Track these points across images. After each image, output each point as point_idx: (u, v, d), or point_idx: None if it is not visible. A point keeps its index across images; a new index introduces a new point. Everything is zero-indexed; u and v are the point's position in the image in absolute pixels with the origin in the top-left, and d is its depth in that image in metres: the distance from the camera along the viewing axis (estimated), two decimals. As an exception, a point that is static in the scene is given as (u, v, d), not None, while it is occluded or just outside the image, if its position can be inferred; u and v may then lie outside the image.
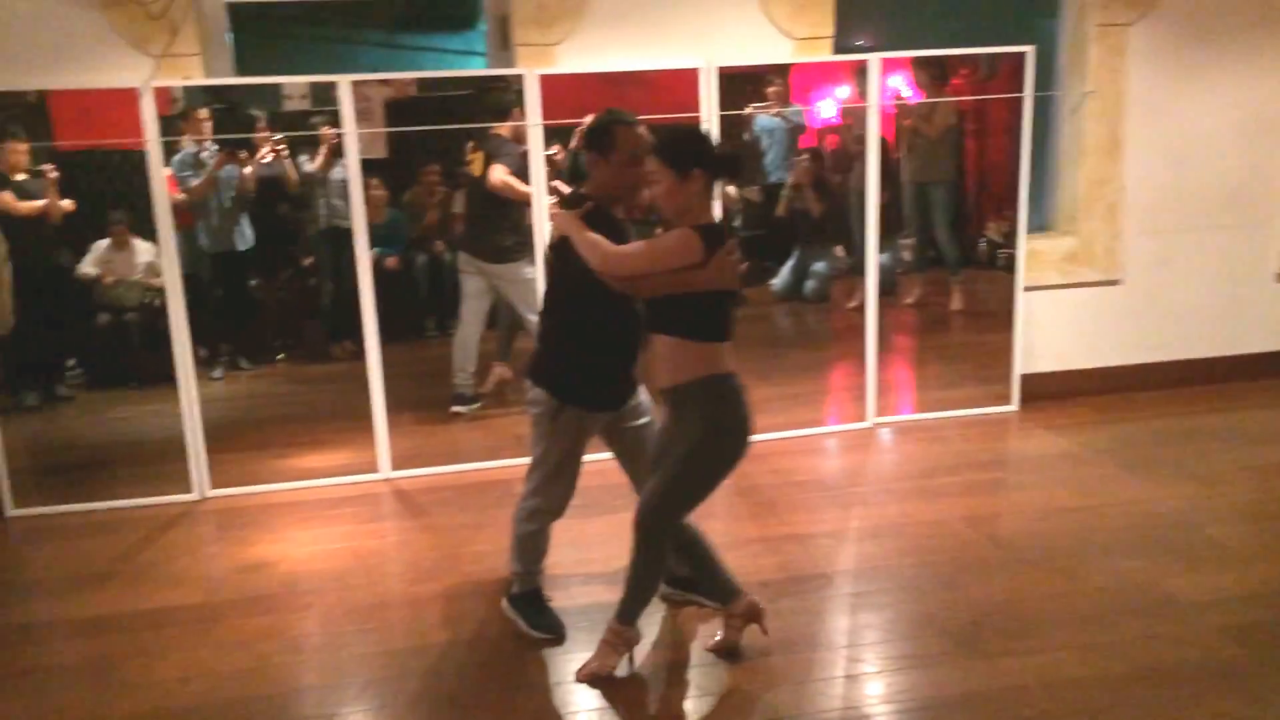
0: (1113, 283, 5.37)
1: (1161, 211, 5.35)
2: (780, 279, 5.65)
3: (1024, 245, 5.17)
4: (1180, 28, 5.14)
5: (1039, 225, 5.48)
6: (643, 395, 3.28)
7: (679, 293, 2.85)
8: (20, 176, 4.44)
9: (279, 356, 5.35)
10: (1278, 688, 2.96)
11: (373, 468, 4.67)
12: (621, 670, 3.11)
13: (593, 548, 3.85)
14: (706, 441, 2.92)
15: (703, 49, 4.70)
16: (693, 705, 3.00)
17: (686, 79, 4.64)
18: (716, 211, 4.66)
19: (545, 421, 3.15)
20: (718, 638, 3.22)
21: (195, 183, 4.72)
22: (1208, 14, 5.13)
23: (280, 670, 3.19)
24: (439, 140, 5.09)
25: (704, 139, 2.96)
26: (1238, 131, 5.31)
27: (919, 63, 5.12)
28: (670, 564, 3.43)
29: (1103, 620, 3.34)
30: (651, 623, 3.36)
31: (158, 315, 4.44)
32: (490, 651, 3.27)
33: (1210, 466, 4.52)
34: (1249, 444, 4.77)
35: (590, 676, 3.08)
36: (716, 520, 3.91)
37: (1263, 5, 5.16)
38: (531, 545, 3.31)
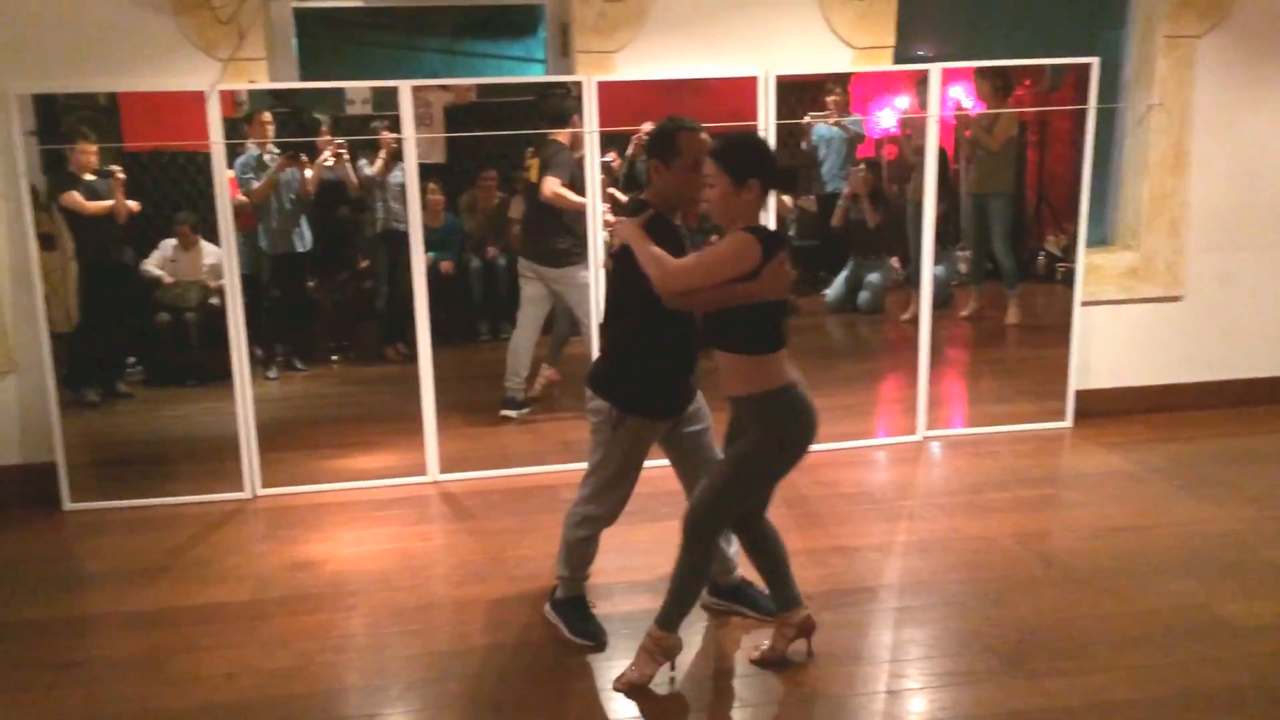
0: (1174, 299, 5.26)
1: (1226, 227, 5.23)
2: (834, 289, 5.61)
3: (1083, 259, 5.08)
4: (1251, 41, 5.02)
5: (1099, 239, 5.39)
6: (700, 401, 3.28)
7: (733, 306, 2.86)
8: (89, 176, 4.55)
9: (333, 358, 5.43)
10: (1335, 719, 2.88)
11: (421, 470, 4.72)
12: (661, 681, 3.11)
13: (638, 555, 3.85)
14: (764, 452, 2.95)
15: (762, 57, 4.69)
16: (735, 717, 2.99)
17: (745, 87, 4.64)
18: (770, 222, 4.65)
19: (605, 430, 3.16)
20: (764, 647, 3.21)
21: (256, 185, 4.81)
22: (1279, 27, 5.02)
23: (324, 669, 3.24)
24: (497, 146, 5.15)
25: (764, 149, 2.98)
26: (1307, 147, 5.18)
27: (981, 73, 5.06)
28: (714, 572, 3.45)
29: (1153, 642, 3.27)
30: (694, 632, 3.36)
31: (217, 315, 4.53)
32: (533, 657, 3.28)
33: (1268, 488, 4.41)
34: (1313, 467, 4.65)
35: (627, 686, 3.08)
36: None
37: (1337, 18, 5.03)
38: (580, 552, 3.33)
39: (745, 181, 2.84)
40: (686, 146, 3.01)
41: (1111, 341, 5.28)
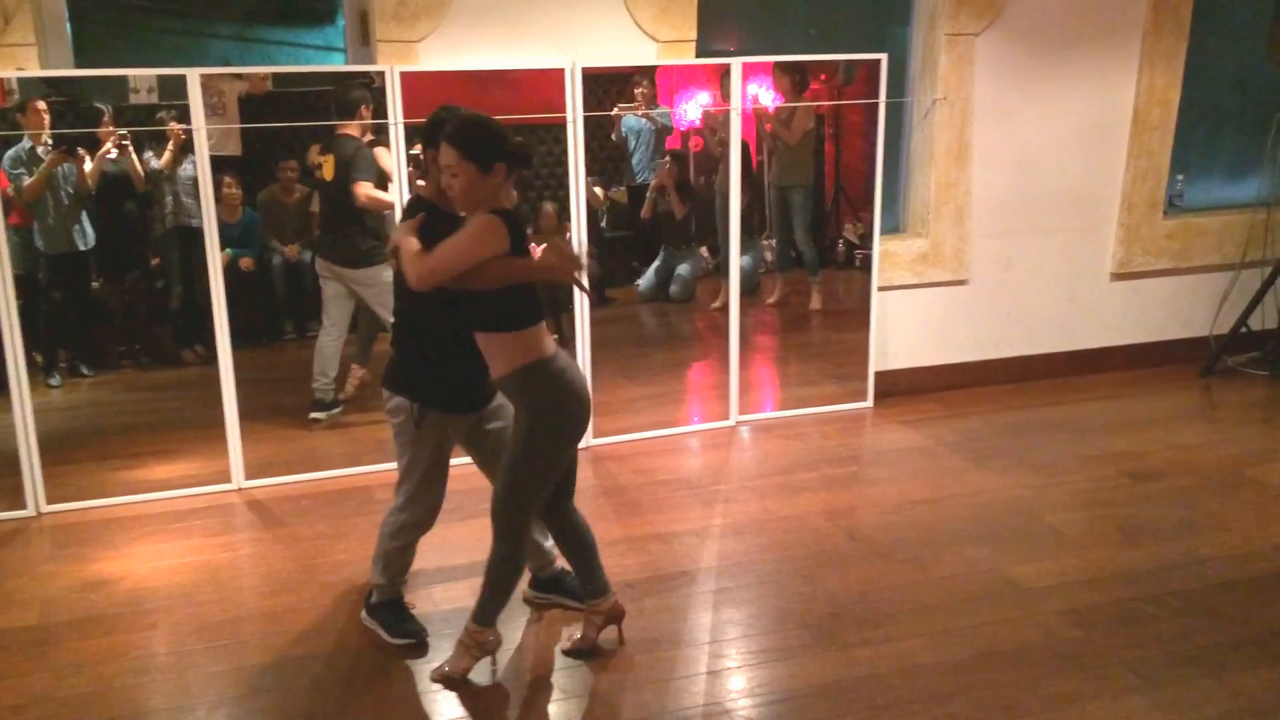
0: (960, 282, 5.59)
1: (1006, 214, 5.58)
2: (645, 280, 5.69)
3: (878, 247, 5.33)
4: (1024, 38, 5.37)
5: (893, 227, 5.66)
6: (501, 399, 3.25)
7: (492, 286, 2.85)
8: None
9: (123, 362, 5.10)
10: (1113, 667, 3.13)
11: (225, 477, 4.50)
12: (484, 675, 3.08)
13: (456, 553, 3.80)
14: (537, 428, 2.91)
15: (568, 49, 4.69)
16: (557, 709, 3.00)
17: (552, 79, 4.62)
18: (581, 214, 4.67)
19: (408, 429, 3.09)
20: (575, 636, 3.23)
21: (28, 180, 4.46)
22: (1050, 26, 5.38)
23: (123, 693, 3.05)
24: (298, 137, 4.95)
25: (502, 131, 2.85)
26: (1076, 138, 5.59)
27: (780, 68, 5.22)
28: (533, 565, 3.45)
29: (951, 608, 3.47)
30: (514, 626, 3.35)
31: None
32: (351, 664, 3.19)
33: (1049, 457, 4.75)
34: (1084, 435, 5.03)
35: (443, 678, 3.05)
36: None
37: (1099, 19, 5.44)
38: (398, 560, 3.26)
39: (491, 166, 2.79)
40: None
41: (906, 324, 5.56)
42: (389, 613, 3.31)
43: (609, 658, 3.20)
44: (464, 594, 3.47)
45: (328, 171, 4.67)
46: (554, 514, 3.14)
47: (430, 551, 3.58)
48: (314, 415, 4.90)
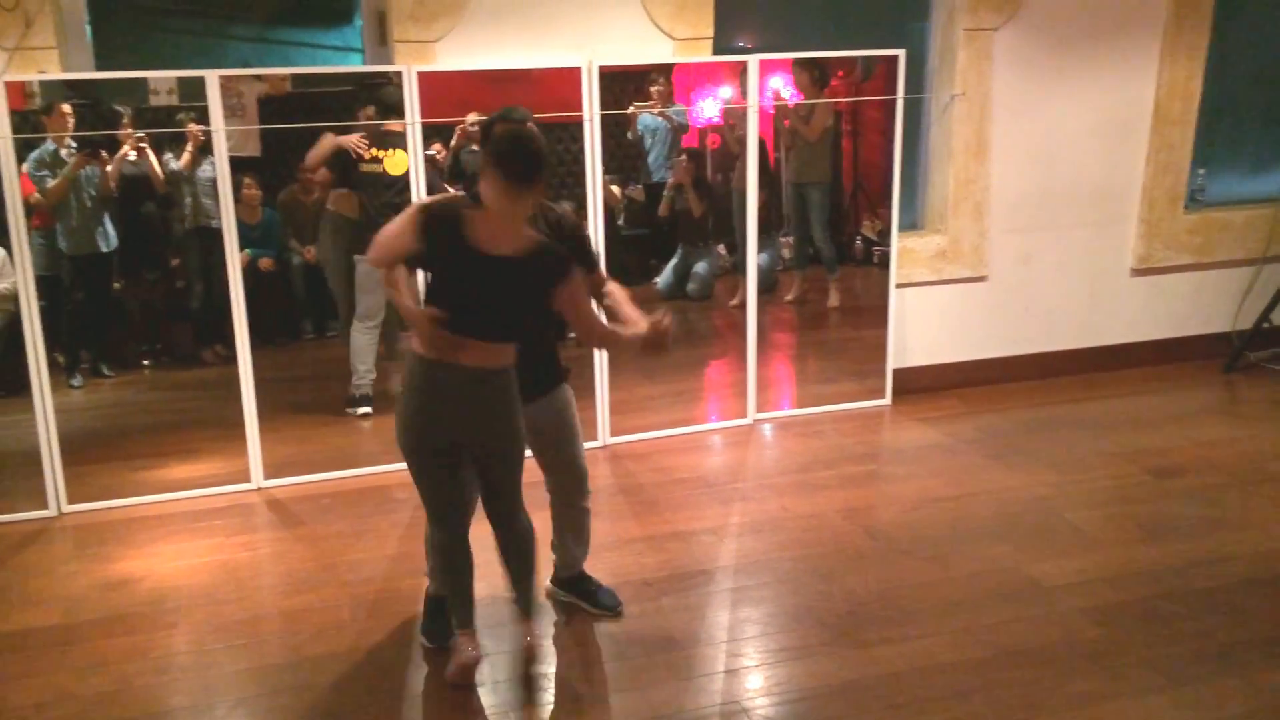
0: (980, 279, 5.55)
1: (1025, 210, 5.55)
2: (664, 278, 5.68)
3: (896, 243, 5.31)
4: (1043, 33, 5.34)
5: (911, 224, 5.63)
6: (551, 395, 3.22)
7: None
8: None
9: (145, 362, 5.14)
10: (1135, 666, 3.11)
11: (245, 477, 4.53)
12: (501, 674, 3.09)
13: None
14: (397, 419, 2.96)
15: (585, 48, 4.69)
16: (576, 706, 3.00)
17: (569, 78, 4.63)
18: (598, 212, 4.67)
19: None
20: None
21: (52, 183, 4.50)
22: (1069, 20, 5.34)
23: (144, 692, 3.07)
24: (317, 138, 4.96)
25: (510, 134, 2.78)
26: (1096, 133, 5.55)
27: (798, 65, 5.20)
28: (557, 564, 3.46)
29: (971, 606, 3.46)
30: (543, 625, 3.35)
31: (11, 321, 4.22)
32: (371, 663, 3.20)
33: (1070, 454, 4.72)
34: (1105, 432, 4.99)
35: (450, 680, 3.06)
36: (600, 520, 3.88)
37: (1119, 13, 5.40)
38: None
39: (484, 160, 2.78)
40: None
41: (924, 321, 5.53)
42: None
43: (627, 656, 3.20)
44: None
45: (396, 166, 4.64)
46: (497, 528, 3.09)
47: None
48: (363, 411, 4.91)
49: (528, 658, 3.19)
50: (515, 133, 2.78)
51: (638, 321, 2.98)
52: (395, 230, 2.79)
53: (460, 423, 2.87)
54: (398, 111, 4.51)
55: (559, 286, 2.79)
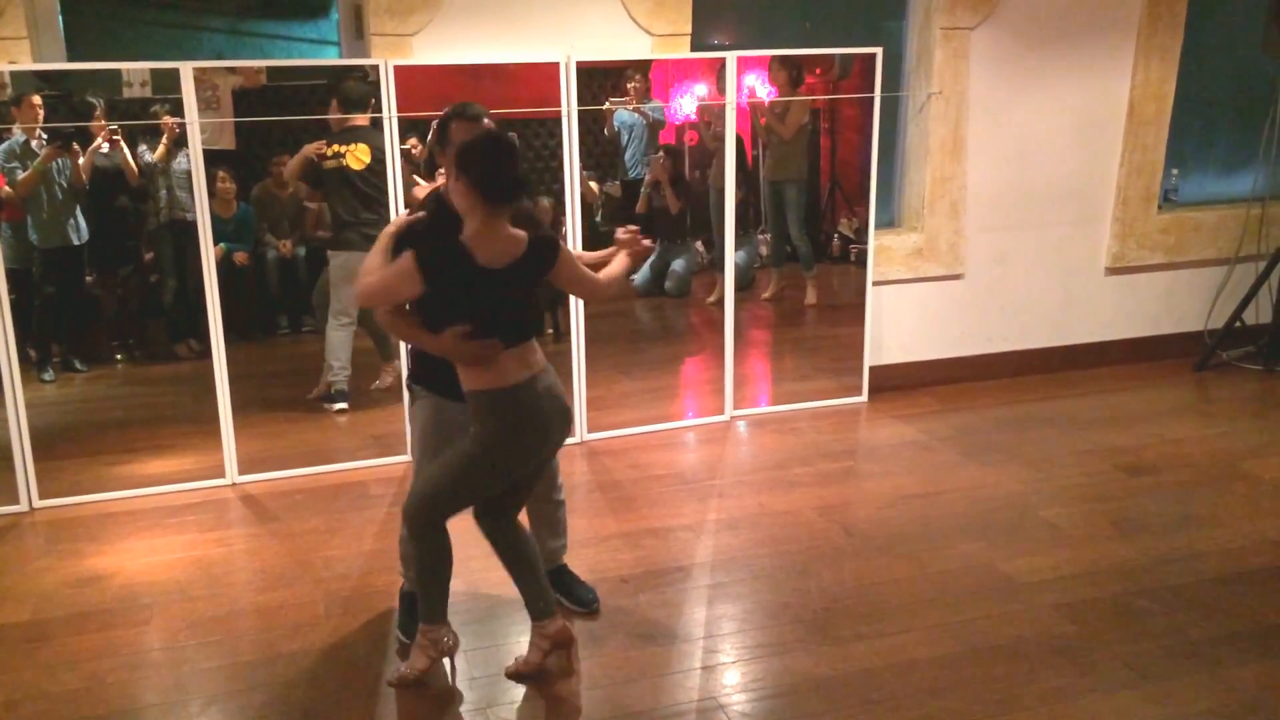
0: (955, 277, 5.58)
1: (1000, 209, 5.58)
2: (641, 275, 5.68)
3: (873, 241, 5.33)
4: (1019, 33, 5.37)
5: (888, 221, 5.65)
6: None
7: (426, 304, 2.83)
8: None
9: (117, 357, 5.09)
10: (1107, 661, 3.14)
11: (219, 472, 4.49)
12: (490, 670, 3.08)
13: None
14: (479, 453, 2.86)
15: (563, 43, 4.68)
16: (550, 704, 2.99)
17: (547, 73, 4.61)
18: (575, 207, 4.66)
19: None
20: (520, 658, 3.11)
21: (22, 175, 4.44)
22: (1045, 20, 5.37)
23: (116, 689, 3.04)
24: (292, 131, 4.93)
25: (480, 149, 2.75)
26: (1071, 132, 5.59)
27: (776, 62, 5.21)
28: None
29: (946, 602, 3.48)
30: (514, 621, 3.35)
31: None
32: (346, 660, 3.19)
33: (1044, 452, 4.76)
34: (1079, 429, 5.03)
35: (399, 680, 3.02)
36: (576, 516, 3.91)
37: (1095, 13, 5.43)
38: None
39: (461, 176, 2.73)
40: (455, 135, 2.92)
41: (901, 319, 5.56)
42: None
43: (605, 653, 3.20)
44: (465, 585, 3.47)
45: (357, 161, 4.62)
46: (493, 530, 3.05)
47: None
48: (339, 406, 4.88)
49: (565, 647, 3.12)
50: (491, 149, 2.74)
51: (611, 254, 3.17)
52: (394, 278, 2.73)
53: (557, 434, 2.97)
54: (362, 106, 4.49)
55: (557, 266, 2.88)
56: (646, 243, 3.22)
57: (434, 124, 3.14)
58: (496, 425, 2.84)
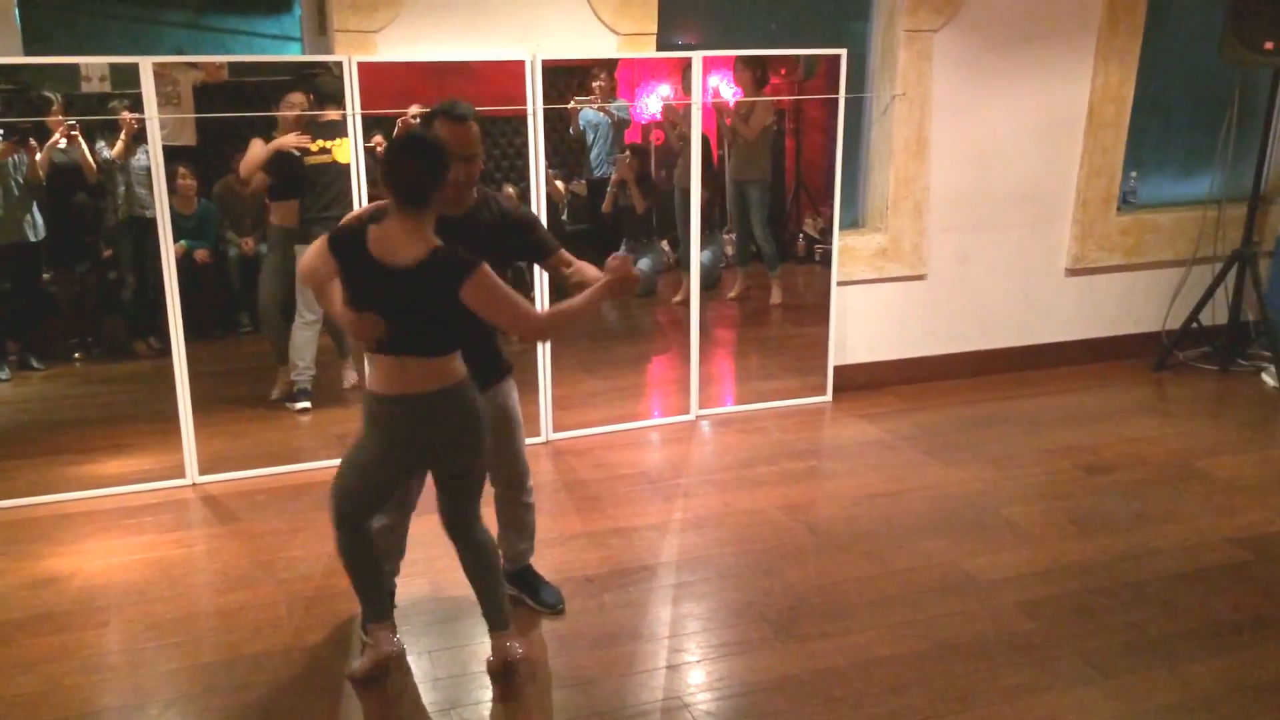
0: (919, 277, 5.62)
1: (963, 210, 5.63)
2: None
3: (838, 241, 5.35)
4: (982, 35, 5.41)
5: (852, 222, 5.68)
6: (500, 395, 3.20)
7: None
8: None
9: (75, 355, 5.02)
10: (1066, 658, 3.18)
11: (179, 472, 4.44)
12: (456, 670, 3.06)
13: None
14: (352, 446, 2.97)
15: (528, 41, 4.66)
16: (516, 704, 2.98)
17: (512, 71, 4.59)
18: (541, 205, 4.65)
19: None
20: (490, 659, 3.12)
21: (-24, 170, 4.38)
22: (1006, 22, 5.42)
23: (73, 692, 3.00)
24: (254, 128, 4.87)
25: (397, 148, 2.78)
26: (1032, 134, 5.64)
27: (741, 63, 5.23)
28: (505, 556, 3.44)
29: (908, 600, 3.50)
30: (477, 621, 3.34)
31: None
32: (307, 662, 3.16)
33: (1005, 451, 4.81)
34: (1039, 429, 5.09)
35: (349, 677, 3.05)
36: (542, 515, 3.87)
37: (1056, 16, 5.49)
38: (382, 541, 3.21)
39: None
40: (438, 133, 2.89)
41: (865, 319, 5.59)
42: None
43: (570, 653, 3.20)
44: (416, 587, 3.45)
45: (345, 154, 4.56)
46: (455, 539, 3.05)
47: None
48: (301, 405, 4.83)
49: (508, 671, 3.07)
50: (404, 150, 2.73)
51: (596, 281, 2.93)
52: (312, 255, 2.85)
53: (422, 454, 2.91)
54: (336, 100, 4.45)
55: (464, 289, 2.70)
56: (636, 273, 2.95)
57: (412, 120, 3.12)
58: (362, 422, 2.91)
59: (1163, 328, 6.16)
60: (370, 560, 3.01)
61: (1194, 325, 5.99)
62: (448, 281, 2.70)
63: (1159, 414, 5.40)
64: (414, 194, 2.70)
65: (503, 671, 3.06)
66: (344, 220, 2.98)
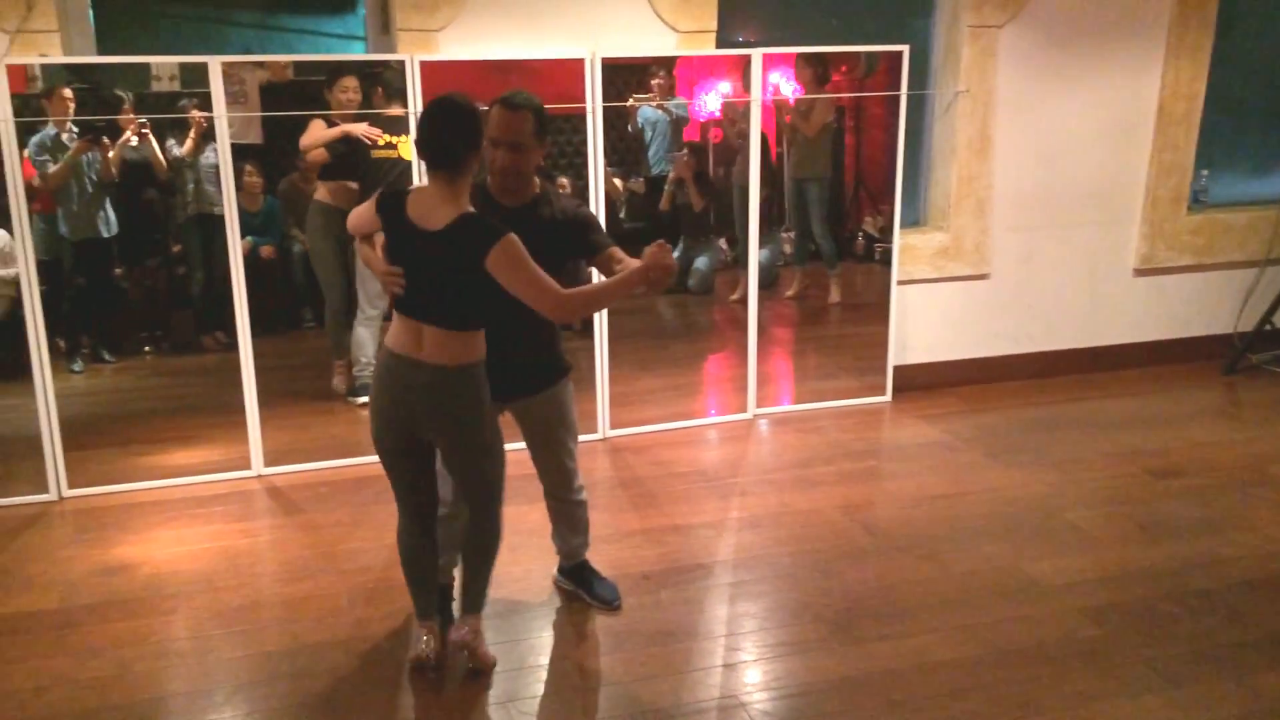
0: (981, 277, 5.55)
1: (1027, 208, 5.54)
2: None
3: (898, 240, 5.30)
4: (1047, 31, 5.33)
5: (913, 220, 5.63)
6: (552, 395, 3.20)
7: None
8: None
9: (145, 348, 5.14)
10: (1131, 666, 3.11)
11: (245, 464, 4.53)
12: (505, 663, 3.09)
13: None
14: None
15: (588, 39, 4.68)
16: (573, 698, 3.00)
17: (571, 69, 4.62)
18: (600, 205, 4.67)
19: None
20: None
21: (53, 167, 4.49)
22: (1072, 18, 5.33)
23: (142, 677, 3.07)
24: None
25: (427, 111, 2.79)
26: (1099, 132, 5.54)
27: (802, 60, 5.20)
28: (560, 552, 3.47)
29: (969, 604, 3.46)
30: (534, 614, 3.37)
31: (13, 306, 4.22)
32: (368, 651, 3.20)
33: (1070, 453, 4.72)
34: (1105, 431, 4.99)
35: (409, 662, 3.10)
36: (599, 512, 3.91)
37: (1124, 12, 5.39)
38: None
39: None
40: (489, 119, 2.93)
41: (926, 318, 5.53)
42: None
43: (626, 649, 3.20)
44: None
45: (409, 151, 4.63)
46: (466, 502, 3.11)
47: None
48: (363, 400, 4.89)
49: (461, 650, 3.09)
50: (431, 112, 2.76)
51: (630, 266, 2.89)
52: (363, 209, 2.96)
53: (416, 420, 2.88)
54: (402, 97, 4.51)
55: (489, 256, 2.67)
56: (670, 262, 2.80)
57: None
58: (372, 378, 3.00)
59: (1234, 329, 6.02)
60: (416, 559, 3.07)
61: (1267, 327, 5.84)
62: (474, 247, 2.69)
63: (1229, 418, 5.27)
64: (443, 157, 2.73)
65: (457, 648, 3.10)
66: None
